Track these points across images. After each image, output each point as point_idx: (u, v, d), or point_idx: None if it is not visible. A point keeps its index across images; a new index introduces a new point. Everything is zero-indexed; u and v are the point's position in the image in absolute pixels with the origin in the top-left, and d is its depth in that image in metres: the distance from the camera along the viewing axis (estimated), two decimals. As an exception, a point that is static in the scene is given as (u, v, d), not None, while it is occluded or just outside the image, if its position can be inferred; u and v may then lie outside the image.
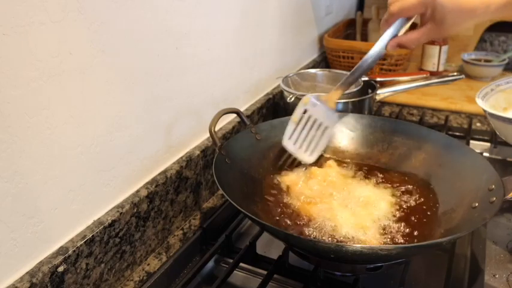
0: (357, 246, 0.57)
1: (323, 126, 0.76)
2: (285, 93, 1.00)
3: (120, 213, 0.64)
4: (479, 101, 0.85)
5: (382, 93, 1.03)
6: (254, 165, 0.76)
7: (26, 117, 0.50)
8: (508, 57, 1.33)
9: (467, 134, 1.05)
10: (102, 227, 0.61)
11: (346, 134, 0.84)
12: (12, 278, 0.52)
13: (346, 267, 0.64)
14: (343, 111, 0.94)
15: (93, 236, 0.59)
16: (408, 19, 0.66)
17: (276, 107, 1.12)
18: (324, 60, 1.45)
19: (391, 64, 1.30)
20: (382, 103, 1.22)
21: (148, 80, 0.68)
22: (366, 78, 1.05)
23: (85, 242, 0.58)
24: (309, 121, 0.76)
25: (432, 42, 1.31)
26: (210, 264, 0.70)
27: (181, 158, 0.78)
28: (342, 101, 0.94)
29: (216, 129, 0.73)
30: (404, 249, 0.56)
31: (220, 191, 0.83)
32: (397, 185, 0.73)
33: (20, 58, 0.48)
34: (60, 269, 0.55)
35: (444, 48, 1.32)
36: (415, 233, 0.63)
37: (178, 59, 0.74)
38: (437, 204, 0.68)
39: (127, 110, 0.65)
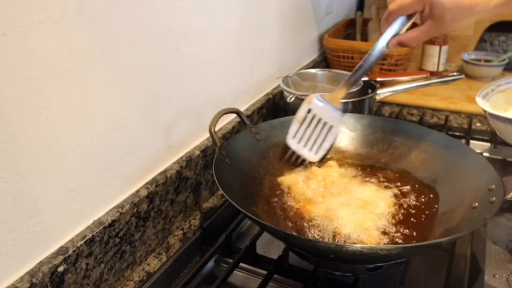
0: (357, 246, 0.57)
1: (328, 126, 0.76)
2: (285, 93, 1.00)
3: (120, 213, 0.64)
4: (479, 101, 0.85)
5: (382, 93, 1.03)
6: (254, 165, 0.76)
7: (26, 117, 0.50)
8: (508, 57, 1.33)
9: (467, 134, 1.05)
10: (102, 227, 0.61)
11: (346, 134, 0.84)
12: (12, 278, 0.52)
13: (346, 267, 0.64)
14: (343, 111, 0.93)
15: (93, 236, 0.59)
16: (409, 18, 0.66)
17: (276, 107, 1.12)
18: (324, 60, 1.45)
19: (391, 64, 1.30)
20: (382, 103, 1.22)
21: (148, 80, 0.68)
22: (366, 78, 1.05)
23: (85, 242, 0.58)
24: (313, 120, 0.76)
25: (432, 42, 1.31)
26: (210, 264, 0.70)
27: (181, 158, 0.78)
28: (342, 101, 0.94)
29: (216, 129, 0.73)
30: (404, 249, 0.56)
31: (220, 191, 0.83)
32: (397, 185, 0.73)
33: (20, 58, 0.48)
34: (60, 269, 0.55)
35: (444, 48, 1.32)
36: (415, 233, 0.63)
37: (178, 59, 0.74)
38: (437, 204, 0.68)
39: (127, 110, 0.65)
